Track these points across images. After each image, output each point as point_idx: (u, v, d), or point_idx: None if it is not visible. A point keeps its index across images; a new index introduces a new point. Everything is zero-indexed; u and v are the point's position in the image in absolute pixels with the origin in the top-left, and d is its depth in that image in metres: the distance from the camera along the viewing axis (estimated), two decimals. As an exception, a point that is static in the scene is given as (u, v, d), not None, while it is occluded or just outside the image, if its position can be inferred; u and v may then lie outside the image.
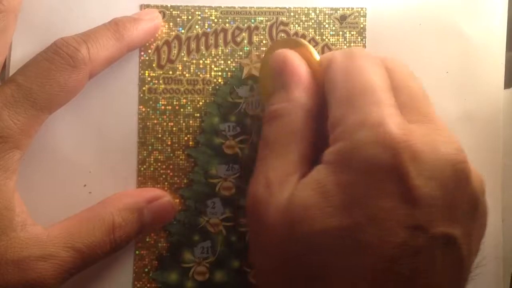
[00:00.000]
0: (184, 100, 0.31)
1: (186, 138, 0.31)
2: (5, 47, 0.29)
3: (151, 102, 0.31)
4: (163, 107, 0.31)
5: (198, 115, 0.31)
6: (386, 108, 0.23)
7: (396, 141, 0.22)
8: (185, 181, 0.31)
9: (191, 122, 0.31)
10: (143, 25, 0.30)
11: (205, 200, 0.31)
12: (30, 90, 0.27)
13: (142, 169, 0.31)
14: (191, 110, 0.31)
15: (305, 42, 0.29)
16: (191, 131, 0.31)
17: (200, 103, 0.31)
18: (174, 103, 0.31)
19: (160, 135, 0.31)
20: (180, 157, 0.31)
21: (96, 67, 0.28)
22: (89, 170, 0.30)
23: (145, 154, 0.31)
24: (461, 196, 0.23)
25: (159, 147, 0.31)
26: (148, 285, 0.30)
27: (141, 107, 0.31)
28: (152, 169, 0.31)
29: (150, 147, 0.31)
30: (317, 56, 0.27)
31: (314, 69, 0.27)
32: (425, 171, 0.22)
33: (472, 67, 0.32)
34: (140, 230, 0.29)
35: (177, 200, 0.31)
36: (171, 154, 0.31)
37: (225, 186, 0.31)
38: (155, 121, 0.31)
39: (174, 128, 0.31)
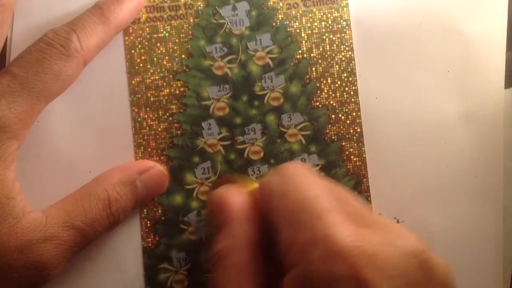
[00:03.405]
0: (168, 27, 0.31)
1: (174, 63, 0.31)
2: (1, 41, 0.29)
3: (134, 35, 0.31)
4: (148, 36, 0.31)
5: (183, 40, 0.31)
6: (330, 219, 0.22)
7: (348, 250, 0.21)
8: (178, 106, 0.31)
9: (176, 47, 0.31)
10: (126, 4, 0.30)
11: (201, 122, 0.31)
12: (26, 79, 0.27)
13: (135, 99, 0.31)
14: (176, 36, 0.31)
15: (241, 175, 0.29)
16: (178, 57, 0.31)
17: (185, 27, 0.31)
18: (159, 30, 0.31)
19: (148, 65, 0.31)
20: (171, 83, 0.31)
21: (88, 54, 0.28)
22: (88, 170, 0.30)
23: (137, 89, 0.31)
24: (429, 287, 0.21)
25: (149, 75, 0.31)
26: (155, 209, 0.31)
27: (126, 38, 0.31)
28: (145, 97, 0.31)
29: (140, 76, 0.31)
30: (255, 185, 0.27)
31: (255, 199, 0.26)
32: (388, 272, 0.21)
33: (473, 67, 0.32)
34: (136, 202, 0.29)
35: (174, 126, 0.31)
36: (162, 81, 0.31)
37: (218, 106, 0.31)
38: (142, 51, 0.31)
39: (161, 55, 0.31)
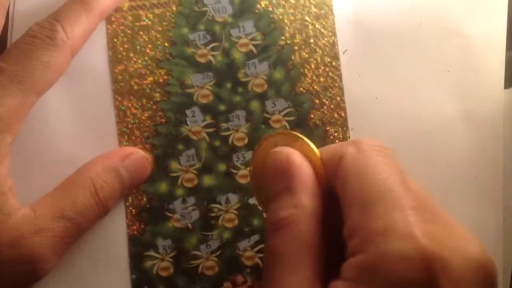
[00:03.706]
0: (151, 15, 0.31)
1: (157, 51, 0.31)
2: None
3: (117, 23, 0.31)
4: (130, 24, 0.31)
5: (166, 28, 0.31)
6: (409, 214, 0.21)
7: (427, 252, 0.20)
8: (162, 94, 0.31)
9: (159, 35, 0.31)
10: None
11: (185, 110, 0.31)
12: (15, 72, 0.27)
13: (118, 87, 0.31)
14: (158, 24, 0.31)
15: (303, 137, 0.25)
16: (161, 45, 0.31)
17: (167, 15, 0.31)
18: (141, 19, 0.31)
19: (131, 53, 0.31)
20: (154, 71, 0.31)
21: (75, 44, 0.28)
22: (72, 160, 0.30)
23: (120, 78, 0.31)
24: None
25: (132, 63, 0.31)
26: (140, 197, 0.31)
27: (109, 26, 0.31)
28: (128, 86, 0.31)
29: (123, 64, 0.31)
30: (317, 151, 0.25)
31: (316, 167, 0.24)
32: (458, 280, 0.20)
33: (473, 67, 0.32)
34: (122, 188, 0.29)
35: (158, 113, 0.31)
36: (145, 70, 0.31)
37: (202, 94, 0.31)
38: (125, 39, 0.31)
39: (144, 44, 0.31)
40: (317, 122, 0.32)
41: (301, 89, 0.32)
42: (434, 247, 0.20)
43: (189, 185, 0.31)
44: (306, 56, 0.32)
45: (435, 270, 0.19)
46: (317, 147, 0.31)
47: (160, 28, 0.31)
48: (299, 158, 0.24)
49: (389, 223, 0.20)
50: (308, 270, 0.22)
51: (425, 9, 0.32)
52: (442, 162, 0.32)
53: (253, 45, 0.32)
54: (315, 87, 0.32)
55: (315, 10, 0.32)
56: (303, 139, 0.25)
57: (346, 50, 0.32)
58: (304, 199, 0.23)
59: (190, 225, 0.31)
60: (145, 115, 0.31)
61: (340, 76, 0.32)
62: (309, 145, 0.25)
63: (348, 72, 0.32)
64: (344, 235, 0.22)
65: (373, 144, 0.24)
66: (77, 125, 0.30)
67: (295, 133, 0.26)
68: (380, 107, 0.32)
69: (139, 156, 0.30)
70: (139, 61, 0.31)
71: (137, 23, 0.31)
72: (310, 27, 0.32)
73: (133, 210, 0.31)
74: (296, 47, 0.32)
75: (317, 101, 0.32)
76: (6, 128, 0.26)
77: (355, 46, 0.32)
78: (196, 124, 0.31)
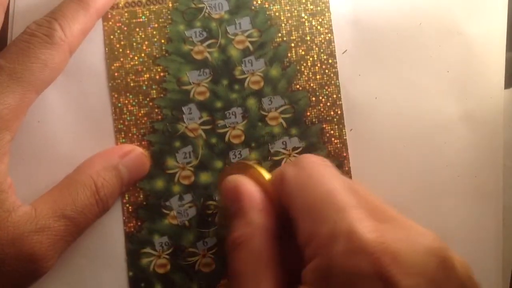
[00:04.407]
0: (147, 12, 0.31)
1: (154, 48, 0.31)
2: None
3: (113, 21, 0.31)
4: (127, 21, 0.31)
5: (163, 25, 0.31)
6: (352, 213, 0.22)
7: (372, 246, 0.21)
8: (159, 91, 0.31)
9: (156, 32, 0.31)
10: None
11: (181, 107, 0.31)
12: (14, 69, 0.27)
13: (115, 84, 0.31)
14: (155, 21, 0.31)
15: (254, 164, 0.28)
16: (158, 42, 0.31)
17: (164, 12, 0.31)
18: (138, 15, 0.31)
19: (128, 50, 0.31)
20: (151, 68, 0.31)
21: (73, 41, 0.28)
22: (69, 157, 0.30)
23: (116, 74, 0.31)
24: (449, 286, 0.21)
25: (129, 60, 0.31)
26: (136, 194, 0.31)
27: (105, 23, 0.31)
28: (124, 82, 0.31)
29: (119, 61, 0.31)
30: (267, 176, 0.27)
31: (267, 190, 0.26)
32: (410, 269, 0.21)
33: (473, 67, 0.32)
34: (121, 186, 0.29)
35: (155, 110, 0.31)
36: (142, 66, 0.31)
37: (199, 91, 0.31)
38: (121, 36, 0.31)
39: (140, 40, 0.31)
40: (313, 120, 0.32)
41: (298, 86, 0.32)
42: (379, 240, 0.21)
43: (185, 182, 0.31)
44: (303, 53, 0.32)
45: (382, 262, 0.20)
46: (314, 144, 0.31)
47: (156, 25, 0.31)
48: (247, 182, 0.27)
49: (334, 225, 0.22)
50: (267, 281, 0.23)
51: (425, 9, 0.32)
52: (442, 162, 0.32)
53: (250, 42, 0.32)
54: (312, 84, 0.32)
55: (311, 7, 0.32)
56: (253, 167, 0.28)
57: (346, 50, 0.32)
58: (254, 217, 0.25)
59: (186, 222, 0.31)
60: (142, 112, 0.31)
61: (336, 74, 0.32)
62: (259, 171, 0.27)
63: (348, 72, 0.32)
64: (299, 245, 0.23)
65: (311, 159, 0.26)
66: (74, 122, 0.30)
67: (244, 161, 0.30)
68: (380, 107, 0.32)
69: (138, 153, 0.30)
70: (136, 58, 0.31)
71: (134, 20, 0.31)
72: (307, 24, 0.32)
73: (130, 207, 0.31)
74: (292, 44, 0.32)
75: (313, 98, 0.32)
76: (5, 125, 0.26)
77: (354, 46, 0.32)
78: (192, 121, 0.31)
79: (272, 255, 0.24)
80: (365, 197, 0.24)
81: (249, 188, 0.26)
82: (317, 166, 0.25)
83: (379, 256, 0.21)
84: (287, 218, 0.25)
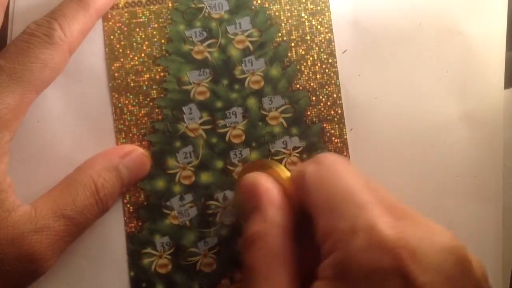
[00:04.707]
0: (147, 12, 0.31)
1: (154, 48, 0.31)
2: None
3: (113, 21, 0.31)
4: (127, 21, 0.31)
5: (163, 25, 0.31)
6: (372, 209, 0.23)
7: (392, 241, 0.21)
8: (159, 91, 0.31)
9: (156, 32, 0.31)
10: None
11: (181, 107, 0.31)
12: (14, 69, 0.27)
13: (115, 84, 0.31)
14: (155, 21, 0.31)
15: (273, 162, 0.29)
16: (158, 42, 0.31)
17: (163, 12, 0.31)
18: (138, 15, 0.31)
19: (128, 50, 0.31)
20: (151, 68, 0.31)
21: (73, 41, 0.28)
22: (70, 157, 0.30)
23: (116, 75, 0.31)
24: (466, 285, 0.21)
25: (129, 60, 0.31)
26: (137, 194, 0.31)
27: (105, 23, 0.31)
28: (125, 83, 0.31)
29: (120, 62, 0.31)
30: (286, 174, 0.28)
31: (286, 187, 0.27)
32: (427, 266, 0.21)
33: (472, 67, 0.32)
34: (122, 186, 0.29)
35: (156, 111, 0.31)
36: (142, 66, 0.31)
37: (199, 91, 0.31)
38: (121, 36, 0.31)
39: (140, 41, 0.31)
40: (314, 119, 0.32)
41: (298, 86, 0.32)
42: (399, 236, 0.21)
43: (186, 182, 0.31)
44: (303, 53, 0.32)
45: (402, 258, 0.21)
46: (314, 143, 0.31)
47: (156, 25, 0.31)
48: (265, 179, 0.27)
49: (354, 220, 0.22)
50: (282, 278, 0.24)
51: (425, 9, 0.32)
52: (441, 162, 0.32)
53: (250, 41, 0.32)
54: (312, 84, 0.32)
55: (311, 6, 0.32)
56: (271, 165, 0.28)
57: (346, 50, 0.32)
58: (272, 214, 0.25)
59: (187, 222, 0.31)
60: (142, 112, 0.31)
61: (336, 73, 0.32)
62: (276, 169, 0.28)
63: (348, 72, 0.32)
64: (317, 242, 0.23)
65: (332, 158, 0.26)
66: (74, 123, 0.30)
67: (264, 160, 0.30)
68: (380, 107, 0.32)
69: (138, 154, 0.30)
70: (136, 58, 0.31)
71: (134, 20, 0.31)
72: (307, 23, 0.32)
73: (131, 208, 0.31)
74: (292, 44, 0.32)
75: (313, 98, 0.32)
76: (5, 125, 0.26)
77: (354, 46, 0.32)
78: (193, 121, 0.31)
79: (288, 253, 0.25)
80: (383, 195, 0.24)
81: (268, 185, 0.27)
82: (337, 164, 0.26)
83: (399, 251, 0.21)
84: (304, 217, 0.25)
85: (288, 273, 0.24)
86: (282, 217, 0.26)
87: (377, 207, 0.23)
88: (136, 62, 0.31)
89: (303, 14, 0.32)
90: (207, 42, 0.31)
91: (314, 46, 0.32)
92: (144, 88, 0.31)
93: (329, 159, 0.26)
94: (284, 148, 0.31)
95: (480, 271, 0.22)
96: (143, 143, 0.31)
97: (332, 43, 0.32)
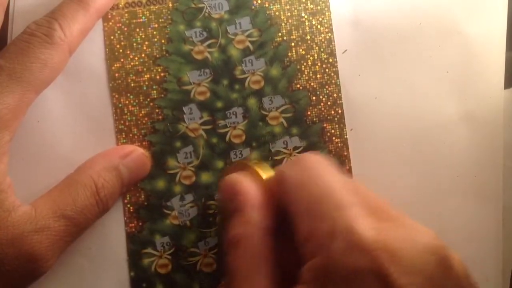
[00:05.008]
0: (147, 12, 0.31)
1: (154, 49, 0.31)
2: None
3: (113, 21, 0.31)
4: (127, 21, 0.31)
5: (163, 25, 0.31)
6: (351, 211, 0.22)
7: (371, 243, 0.21)
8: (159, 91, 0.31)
9: (156, 33, 0.31)
10: None
11: (182, 107, 0.31)
12: (14, 69, 0.26)
13: (115, 85, 0.31)
14: (155, 21, 0.31)
15: (253, 163, 0.28)
16: (158, 42, 0.31)
17: (164, 12, 0.31)
18: (138, 16, 0.31)
19: (128, 50, 0.31)
20: (151, 68, 0.31)
21: (73, 41, 0.28)
22: (70, 158, 0.30)
23: (117, 75, 0.31)
24: (447, 285, 0.21)
25: (129, 61, 0.31)
26: (138, 194, 0.31)
27: (105, 24, 0.31)
28: (125, 83, 0.31)
29: (120, 62, 0.31)
30: (270, 173, 0.27)
31: (266, 188, 0.26)
32: (407, 267, 0.21)
33: (472, 67, 0.32)
34: (122, 186, 0.29)
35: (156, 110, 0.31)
36: (142, 67, 0.31)
37: (199, 91, 0.31)
38: (121, 36, 0.31)
39: (141, 41, 0.31)
40: (314, 119, 0.32)
41: (298, 85, 0.32)
42: (378, 237, 0.21)
43: (186, 182, 0.31)
44: (303, 52, 0.32)
45: (381, 260, 0.20)
46: (314, 143, 0.31)
47: (156, 25, 0.31)
48: (245, 180, 0.26)
49: (333, 222, 0.22)
50: (262, 280, 0.24)
51: (425, 9, 0.32)
52: (441, 162, 0.32)
53: (250, 41, 0.32)
54: (312, 83, 0.32)
55: (311, 6, 0.32)
56: (252, 166, 0.28)
57: (346, 50, 0.32)
58: (252, 215, 0.25)
59: (188, 222, 0.31)
60: (143, 112, 0.31)
61: (336, 73, 0.32)
62: (258, 170, 0.27)
63: (348, 72, 0.32)
64: (297, 244, 0.23)
65: (313, 158, 0.26)
66: (75, 123, 0.30)
67: (246, 161, 0.30)
68: (380, 107, 0.32)
69: (139, 154, 0.30)
70: (136, 58, 0.31)
71: (134, 20, 0.31)
72: (307, 23, 0.32)
73: (131, 208, 0.31)
74: (292, 44, 0.32)
75: (314, 98, 0.32)
76: (4, 125, 0.26)
77: (354, 46, 0.32)
78: (193, 121, 0.31)
79: (269, 254, 0.24)
80: (366, 196, 0.24)
81: (247, 185, 0.26)
82: (317, 164, 0.25)
83: (378, 254, 0.21)
84: (285, 218, 0.25)
85: (269, 275, 0.24)
86: (263, 218, 0.25)
87: (357, 208, 0.23)
88: (136, 62, 0.31)
89: (303, 14, 0.32)
90: (207, 42, 0.31)
91: (314, 46, 0.32)
92: (145, 88, 0.31)
93: (308, 160, 0.25)
94: (284, 148, 0.31)
95: (462, 270, 0.22)
96: (144, 143, 0.31)
97: (332, 43, 0.32)
